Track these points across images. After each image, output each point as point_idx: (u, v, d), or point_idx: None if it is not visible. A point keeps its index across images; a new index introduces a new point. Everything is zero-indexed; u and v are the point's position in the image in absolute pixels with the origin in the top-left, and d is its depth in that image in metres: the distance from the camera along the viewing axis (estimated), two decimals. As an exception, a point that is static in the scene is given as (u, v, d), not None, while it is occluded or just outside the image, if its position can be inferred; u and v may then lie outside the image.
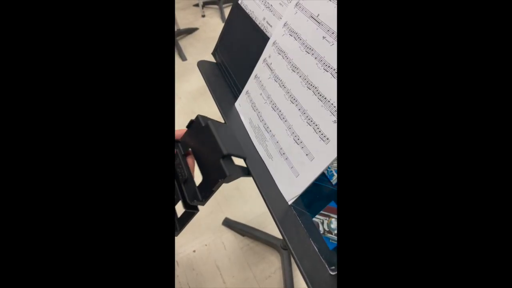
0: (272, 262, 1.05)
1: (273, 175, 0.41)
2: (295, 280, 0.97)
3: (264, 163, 0.43)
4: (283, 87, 0.42)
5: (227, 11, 2.45)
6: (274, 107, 0.43)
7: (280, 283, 0.99)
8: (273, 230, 1.10)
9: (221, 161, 0.37)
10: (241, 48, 0.58)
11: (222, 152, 0.38)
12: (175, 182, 0.43)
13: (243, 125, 0.49)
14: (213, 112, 1.48)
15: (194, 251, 1.07)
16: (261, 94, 0.46)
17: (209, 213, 1.17)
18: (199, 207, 0.42)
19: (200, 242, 1.09)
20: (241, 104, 0.51)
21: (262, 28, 0.51)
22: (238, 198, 1.22)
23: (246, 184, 1.25)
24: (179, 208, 0.42)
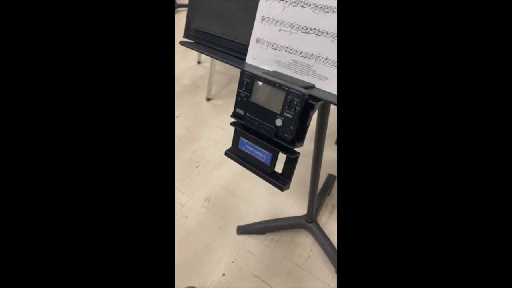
0: (305, 242, 1.02)
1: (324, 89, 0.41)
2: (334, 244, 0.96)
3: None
4: (308, 5, 0.42)
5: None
6: (305, 29, 0.43)
7: (322, 255, 0.97)
8: (289, 213, 1.08)
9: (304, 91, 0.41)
10: (222, 8, 0.56)
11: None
12: (267, 143, 0.46)
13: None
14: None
15: (223, 274, 0.97)
16: (280, 30, 0.46)
17: (219, 231, 1.08)
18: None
19: (225, 263, 1.00)
20: (256, 56, 0.50)
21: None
22: (240, 203, 1.16)
23: (241, 187, 1.20)
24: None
